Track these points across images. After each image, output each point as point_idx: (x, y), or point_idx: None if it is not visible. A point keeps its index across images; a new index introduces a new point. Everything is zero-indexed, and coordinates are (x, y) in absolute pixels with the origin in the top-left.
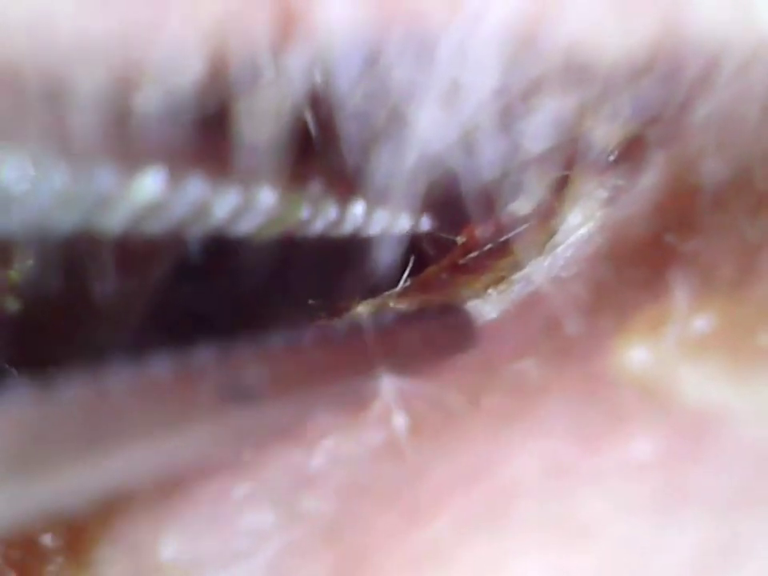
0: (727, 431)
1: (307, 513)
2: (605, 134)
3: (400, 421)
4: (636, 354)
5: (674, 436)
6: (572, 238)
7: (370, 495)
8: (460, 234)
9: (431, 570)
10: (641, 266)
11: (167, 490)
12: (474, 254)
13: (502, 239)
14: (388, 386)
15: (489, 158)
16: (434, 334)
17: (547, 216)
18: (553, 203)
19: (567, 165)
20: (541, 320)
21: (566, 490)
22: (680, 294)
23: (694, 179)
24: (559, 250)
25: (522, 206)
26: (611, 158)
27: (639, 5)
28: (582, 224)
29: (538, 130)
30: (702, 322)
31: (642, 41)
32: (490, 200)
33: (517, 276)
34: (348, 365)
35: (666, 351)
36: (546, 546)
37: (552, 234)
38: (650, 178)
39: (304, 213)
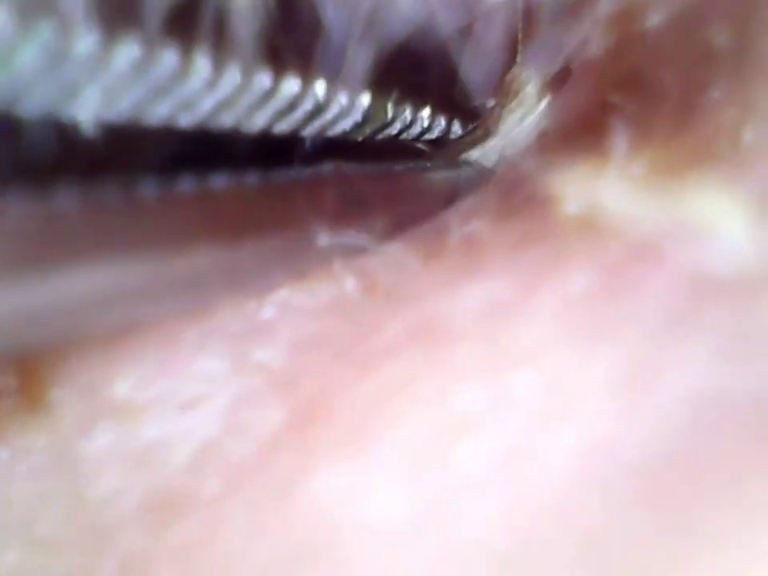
0: (658, 259)
1: (260, 363)
2: None
3: (351, 279)
4: (575, 196)
5: (608, 266)
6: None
7: (322, 347)
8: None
9: (382, 408)
10: (585, 118)
11: (118, 332)
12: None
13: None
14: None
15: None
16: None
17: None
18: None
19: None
20: (496, 181)
21: (505, 325)
22: (618, 143)
23: (634, 29)
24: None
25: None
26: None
27: None
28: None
29: None
30: (638, 164)
31: None
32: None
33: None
34: (300, 216)
35: (603, 191)
36: (489, 377)
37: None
38: (588, 31)
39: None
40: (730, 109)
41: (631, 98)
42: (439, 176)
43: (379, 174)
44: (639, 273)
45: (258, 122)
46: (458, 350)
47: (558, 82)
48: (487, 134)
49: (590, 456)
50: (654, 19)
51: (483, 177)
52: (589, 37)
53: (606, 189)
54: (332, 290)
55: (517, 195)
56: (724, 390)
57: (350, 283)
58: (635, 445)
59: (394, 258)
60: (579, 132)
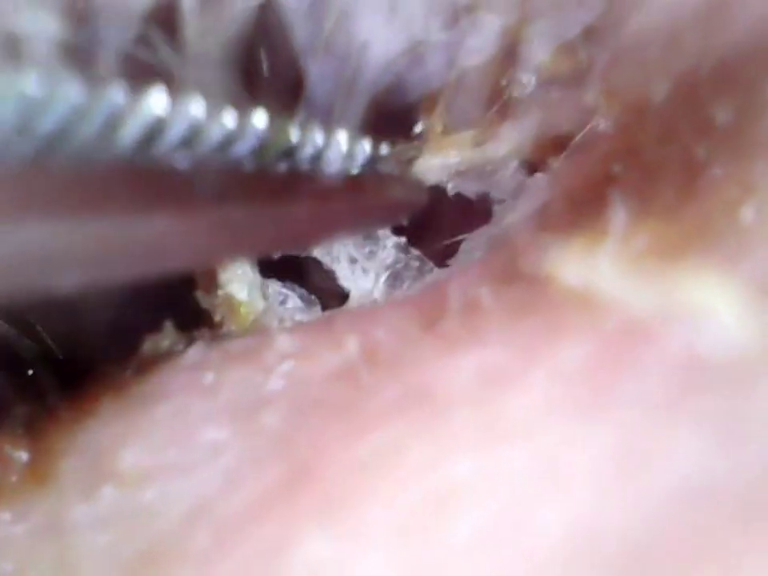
0: (651, 341)
1: (262, 427)
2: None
3: (354, 345)
4: (573, 270)
5: (602, 344)
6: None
7: (321, 411)
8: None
9: (373, 474)
10: (585, 191)
11: (128, 406)
12: None
13: None
14: (344, 314)
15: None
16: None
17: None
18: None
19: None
20: (497, 249)
21: (498, 396)
22: (617, 217)
23: (638, 103)
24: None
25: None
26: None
27: None
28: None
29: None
30: (636, 241)
31: None
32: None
33: None
34: None
35: (601, 266)
36: (479, 448)
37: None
38: (592, 103)
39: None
40: (731, 187)
41: (632, 170)
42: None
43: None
44: (632, 352)
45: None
46: (451, 419)
47: (557, 148)
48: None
49: (576, 535)
50: (658, 94)
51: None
52: (592, 107)
53: (603, 264)
54: (336, 358)
55: (516, 264)
56: (713, 476)
57: (353, 350)
58: (621, 528)
59: (396, 324)
60: (579, 203)
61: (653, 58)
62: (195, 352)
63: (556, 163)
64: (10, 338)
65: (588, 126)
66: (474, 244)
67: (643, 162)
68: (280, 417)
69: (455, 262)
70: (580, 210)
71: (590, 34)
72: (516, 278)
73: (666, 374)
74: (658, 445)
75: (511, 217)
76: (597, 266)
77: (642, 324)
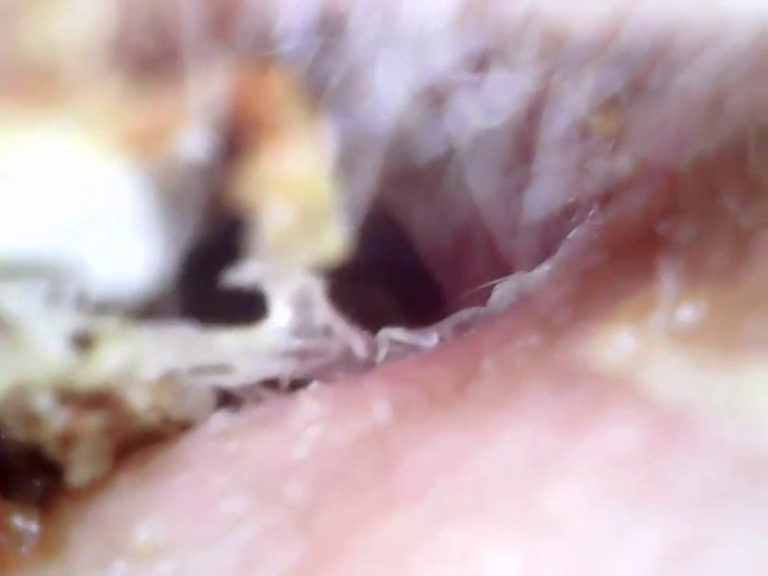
0: (705, 428)
1: (284, 499)
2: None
3: (383, 408)
4: (619, 342)
5: (651, 429)
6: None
7: (347, 483)
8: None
9: (400, 560)
10: (630, 254)
11: (146, 477)
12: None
13: None
14: (373, 374)
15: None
16: None
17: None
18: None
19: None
20: (529, 307)
21: (541, 480)
22: (667, 281)
23: (683, 163)
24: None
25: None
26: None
27: None
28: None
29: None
30: (688, 311)
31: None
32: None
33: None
34: None
35: (650, 339)
36: (520, 538)
37: None
38: (632, 165)
39: None
40: None
41: (679, 229)
42: None
43: None
44: (684, 443)
45: None
46: (488, 502)
47: (603, 196)
48: None
49: None
50: (701, 154)
51: None
52: (631, 165)
53: (654, 338)
54: (364, 423)
55: (554, 326)
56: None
57: (382, 413)
58: None
59: (427, 384)
60: (621, 263)
61: (697, 118)
62: (219, 419)
63: (593, 218)
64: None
65: (627, 184)
66: (505, 292)
67: (690, 221)
68: (304, 489)
69: (487, 312)
70: (623, 272)
71: (631, 92)
72: (555, 341)
73: (719, 469)
74: (708, 543)
75: (547, 265)
76: (647, 340)
77: (694, 411)
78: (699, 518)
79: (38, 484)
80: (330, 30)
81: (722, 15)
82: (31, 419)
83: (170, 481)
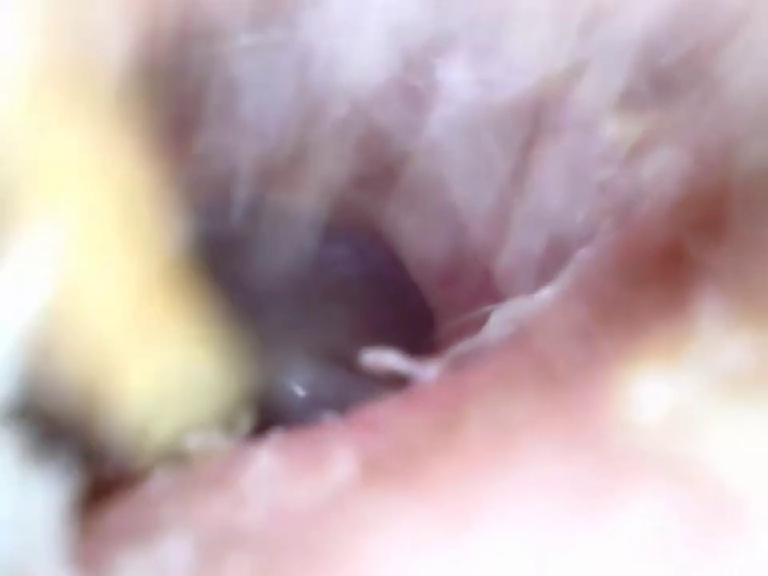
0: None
1: (230, 569)
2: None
3: (349, 466)
4: (646, 389)
5: (695, 511)
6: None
7: (304, 560)
8: None
9: None
10: (655, 281)
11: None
12: None
13: None
14: (339, 424)
15: None
16: None
17: None
18: None
19: None
20: (528, 342)
21: (550, 569)
22: (706, 312)
23: (722, 173)
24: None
25: None
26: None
27: None
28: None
29: None
30: (735, 349)
31: None
32: None
33: None
34: None
35: (687, 386)
36: None
37: None
38: (665, 172)
39: None
40: None
41: (722, 249)
42: None
43: None
44: (745, 539)
45: None
46: None
47: (617, 211)
48: None
49: None
50: (748, 159)
51: None
52: (658, 172)
53: (692, 384)
54: (327, 483)
55: (561, 370)
56: None
57: (348, 472)
58: None
59: (403, 435)
60: (646, 298)
61: (746, 116)
62: (158, 480)
63: (606, 235)
64: None
65: (654, 192)
66: (501, 319)
67: (734, 241)
68: (250, 562)
69: (478, 344)
70: (646, 302)
71: (659, 90)
72: (560, 389)
73: None
74: None
75: (551, 290)
76: (679, 385)
77: (755, 491)
78: None
79: None
80: None
81: None
82: None
83: (94, 548)
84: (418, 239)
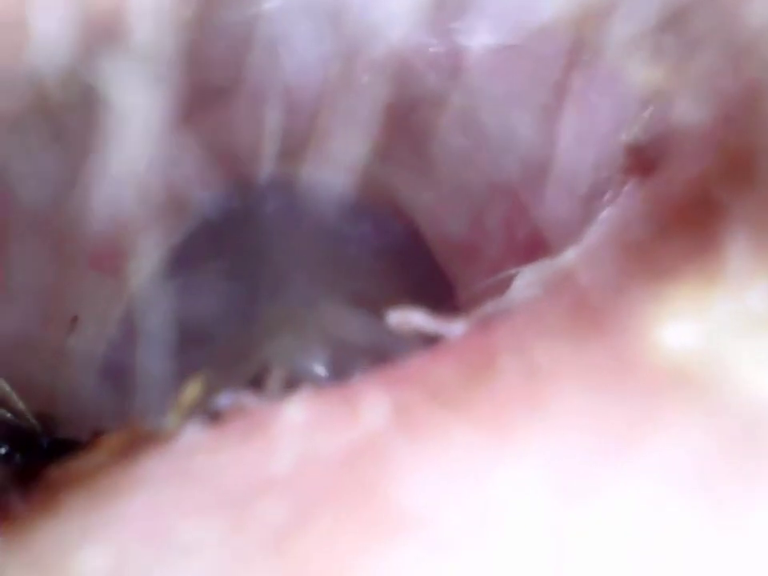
0: None
1: (258, 522)
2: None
3: (380, 415)
4: (676, 330)
5: (726, 440)
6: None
7: (335, 504)
8: None
9: None
10: (682, 226)
11: (97, 498)
12: None
13: None
14: (370, 375)
15: None
16: None
17: None
18: None
19: None
20: (557, 296)
21: (575, 511)
22: (734, 255)
23: (746, 121)
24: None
25: None
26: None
27: None
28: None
29: None
30: (763, 291)
31: None
32: None
33: None
34: None
35: (716, 326)
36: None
37: None
38: (690, 124)
39: None
40: None
41: (745, 194)
42: None
43: None
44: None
45: None
46: (504, 532)
47: (644, 167)
48: None
49: None
50: None
51: None
52: (683, 115)
53: (722, 320)
54: (357, 431)
55: (590, 313)
56: None
57: (379, 421)
58: None
59: (434, 384)
60: (674, 243)
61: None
62: (191, 433)
63: (635, 184)
64: None
65: (679, 143)
66: (527, 281)
67: (760, 185)
68: (282, 509)
69: (505, 304)
70: (674, 247)
71: (685, 32)
72: (591, 332)
73: None
74: None
75: (576, 249)
76: (708, 325)
77: None
78: None
79: None
80: None
81: None
82: None
83: (123, 502)
84: (439, 214)
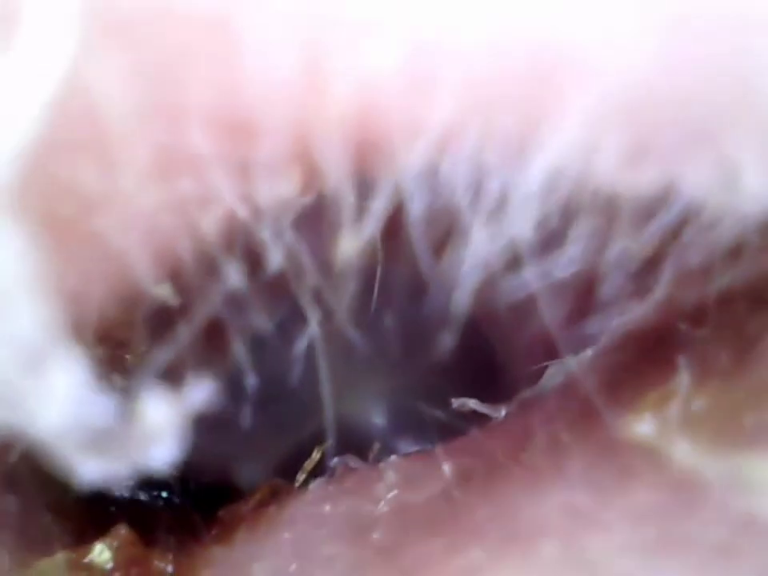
0: (710, 494)
1: (370, 542)
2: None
3: (450, 471)
4: (644, 424)
5: (671, 492)
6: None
7: (422, 527)
8: None
9: None
10: (654, 351)
11: (259, 532)
12: None
13: None
14: (441, 445)
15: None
16: None
17: None
18: None
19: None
20: (573, 390)
21: (580, 531)
22: (684, 376)
23: (701, 286)
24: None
25: None
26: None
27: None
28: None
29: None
30: (698, 402)
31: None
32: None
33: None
34: None
35: (668, 424)
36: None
37: None
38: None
39: None
40: None
41: (695, 331)
42: None
43: None
44: (696, 505)
45: None
46: (534, 545)
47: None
48: None
49: None
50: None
51: None
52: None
53: (672, 421)
54: (435, 484)
55: (592, 408)
56: None
57: (449, 475)
58: None
59: (486, 452)
60: (649, 358)
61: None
62: (315, 487)
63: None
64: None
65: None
66: (554, 373)
67: (704, 326)
68: (386, 533)
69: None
70: (651, 365)
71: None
72: (593, 422)
73: (721, 526)
74: None
75: (584, 356)
76: (666, 422)
77: (709, 481)
78: (706, 565)
79: (172, 539)
80: None
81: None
82: None
83: (278, 534)
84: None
